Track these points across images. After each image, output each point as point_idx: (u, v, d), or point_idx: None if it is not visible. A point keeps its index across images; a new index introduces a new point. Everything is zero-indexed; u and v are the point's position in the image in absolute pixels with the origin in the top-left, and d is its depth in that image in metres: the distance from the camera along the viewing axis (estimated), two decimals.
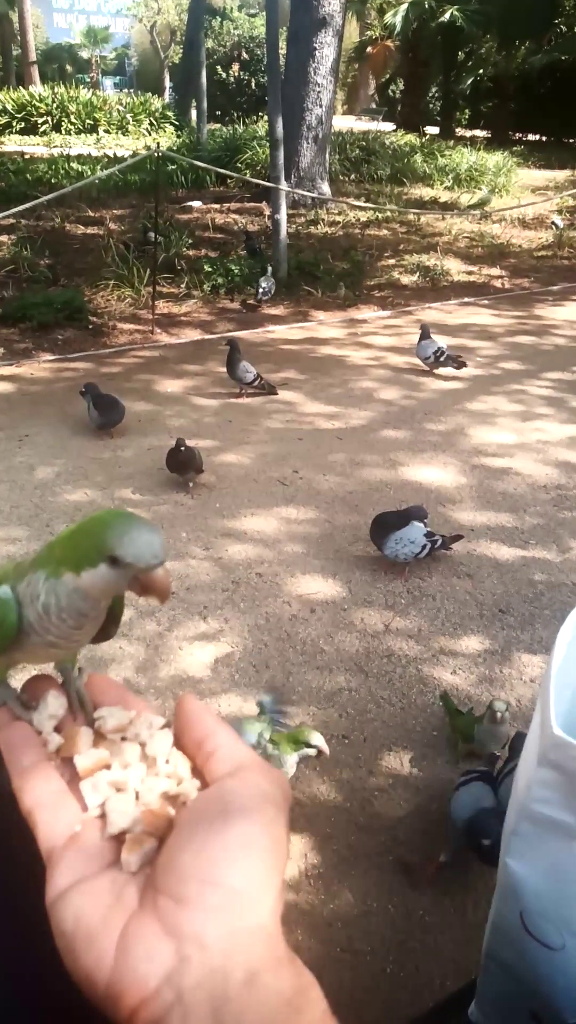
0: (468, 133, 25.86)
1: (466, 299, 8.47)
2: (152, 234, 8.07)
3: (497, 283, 9.15)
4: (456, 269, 9.46)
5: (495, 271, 9.56)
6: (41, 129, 21.71)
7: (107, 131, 22.19)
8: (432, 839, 2.24)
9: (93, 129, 22.24)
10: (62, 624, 0.54)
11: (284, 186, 8.21)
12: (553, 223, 11.55)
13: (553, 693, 0.71)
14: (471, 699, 2.76)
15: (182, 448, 3.98)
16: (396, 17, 21.83)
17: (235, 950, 0.41)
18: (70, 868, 0.46)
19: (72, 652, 0.59)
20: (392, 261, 9.61)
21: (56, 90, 23.38)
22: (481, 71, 26.48)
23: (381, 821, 2.29)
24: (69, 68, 37.99)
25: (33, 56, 30.06)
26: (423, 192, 13.72)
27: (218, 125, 20.15)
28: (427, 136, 20.32)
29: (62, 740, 0.52)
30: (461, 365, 5.72)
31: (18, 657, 0.58)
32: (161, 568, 0.52)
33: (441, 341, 5.91)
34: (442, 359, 5.69)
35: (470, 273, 9.43)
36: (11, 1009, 0.54)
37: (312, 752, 2.06)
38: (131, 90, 33.25)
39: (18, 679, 0.59)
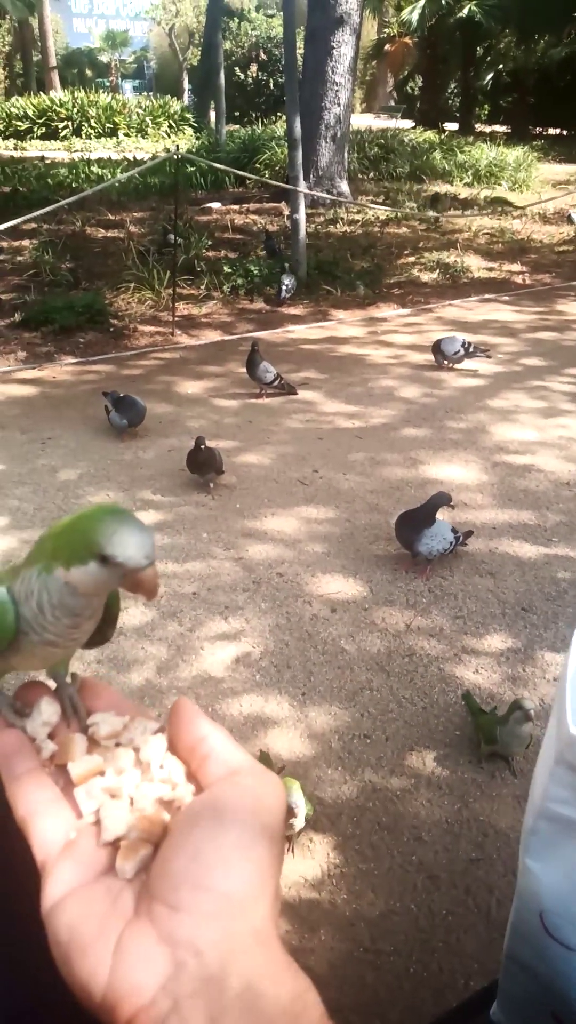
0: (488, 128, 25.68)
1: (487, 296, 8.42)
2: (172, 236, 8.10)
3: (518, 279, 9.09)
4: (476, 266, 9.41)
5: (516, 267, 9.50)
6: (62, 134, 21.86)
7: (127, 134, 22.31)
8: (457, 839, 2.23)
9: (113, 133, 22.37)
10: (57, 622, 0.54)
11: (302, 187, 8.20)
12: (570, 217, 11.46)
13: (570, 692, 0.71)
14: (494, 698, 2.75)
15: (202, 449, 3.99)
16: (413, 14, 21.77)
17: (231, 956, 0.41)
18: (65, 877, 0.46)
19: (69, 654, 0.59)
20: (412, 259, 9.57)
21: (76, 95, 23.55)
22: (500, 66, 26.31)
23: (404, 821, 2.28)
24: (89, 72, 38.32)
25: (53, 61, 30.29)
26: (442, 189, 13.64)
27: (237, 126, 20.22)
28: (446, 132, 20.23)
29: (56, 747, 0.52)
30: (488, 355, 5.90)
31: (15, 661, 0.57)
32: (151, 568, 0.52)
33: (460, 336, 5.92)
34: (471, 351, 5.78)
35: (490, 269, 9.38)
36: (9, 1019, 0.54)
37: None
38: (150, 93, 33.40)
39: (10, 685, 0.59)
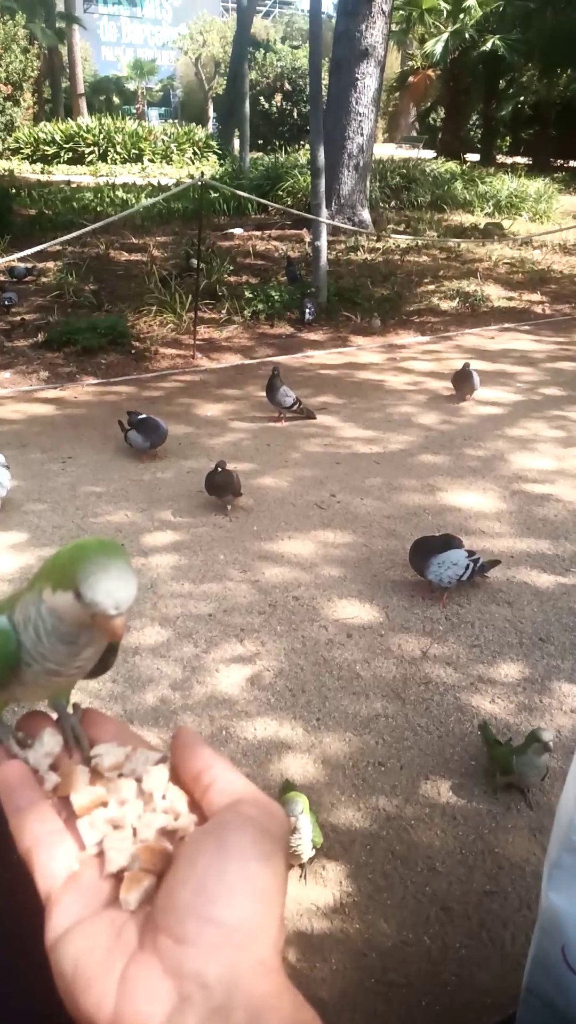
0: (509, 160, 25.92)
1: (506, 325, 8.45)
2: (195, 261, 8.20)
3: (538, 309, 9.12)
4: (496, 295, 9.45)
5: (536, 297, 9.53)
6: (88, 159, 22.25)
7: (151, 160, 22.68)
8: (471, 871, 2.20)
9: (138, 158, 22.74)
10: (54, 650, 0.54)
11: (324, 216, 8.29)
12: None
13: None
14: (510, 728, 2.73)
15: (220, 471, 4.02)
16: (437, 46, 22.05)
17: (236, 988, 0.41)
18: (69, 909, 0.46)
19: (70, 684, 0.59)
20: (431, 287, 9.63)
21: (103, 121, 23.99)
22: (522, 98, 26.56)
23: (418, 851, 2.26)
24: (116, 99, 38.97)
25: (81, 88, 30.88)
26: (463, 218, 13.75)
27: (260, 154, 20.46)
28: (467, 163, 20.41)
29: (58, 778, 0.52)
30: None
31: (19, 692, 0.58)
32: (120, 617, 0.52)
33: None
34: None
35: (510, 299, 9.41)
36: None
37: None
38: (176, 120, 33.97)
39: (12, 716, 0.59)
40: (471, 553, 3.40)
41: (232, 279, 9.13)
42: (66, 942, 0.45)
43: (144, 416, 4.76)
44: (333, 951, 1.99)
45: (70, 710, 0.57)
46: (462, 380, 5.79)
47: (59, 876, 0.48)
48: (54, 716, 0.57)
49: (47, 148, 22.49)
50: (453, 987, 1.91)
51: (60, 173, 19.57)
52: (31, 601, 0.54)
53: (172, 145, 23.40)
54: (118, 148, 22.90)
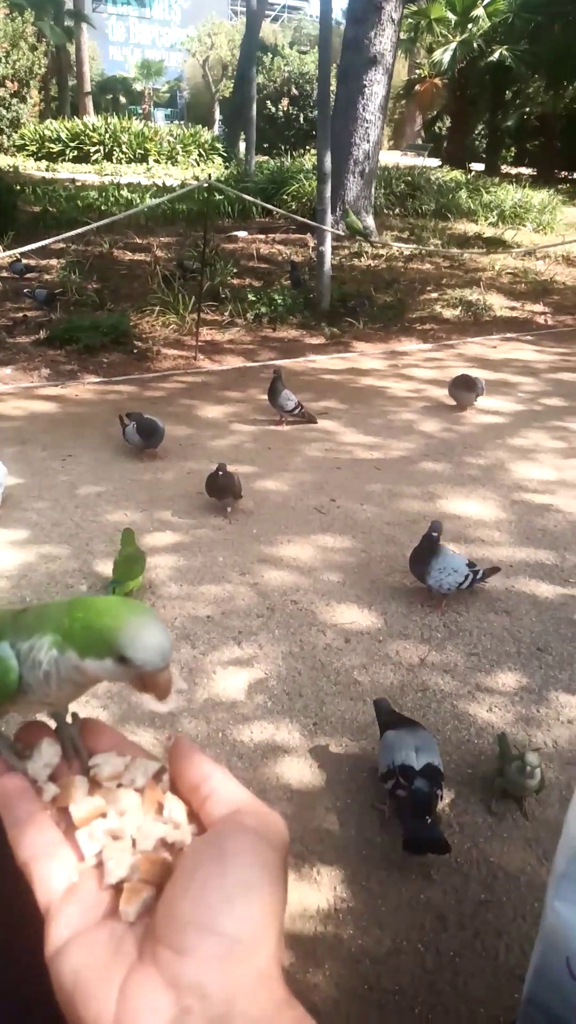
0: (513, 170, 25.98)
1: (509, 334, 8.47)
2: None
3: (540, 319, 9.15)
4: (499, 304, 9.47)
5: (538, 307, 9.56)
6: (93, 158, 22.26)
7: (157, 161, 22.69)
8: (467, 879, 2.20)
9: (143, 159, 22.76)
10: (61, 691, 0.54)
11: (329, 222, 8.31)
12: None
13: None
14: (507, 737, 2.72)
15: (221, 473, 4.02)
16: (445, 55, 22.10)
17: (236, 999, 0.41)
18: (68, 921, 0.46)
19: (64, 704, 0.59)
20: (435, 295, 9.65)
21: (109, 120, 23.99)
22: (528, 109, 26.64)
23: (413, 858, 2.25)
24: (123, 99, 39.04)
25: (88, 87, 30.94)
26: (467, 227, 13.78)
27: (266, 157, 20.49)
28: (472, 172, 20.46)
29: (57, 789, 0.52)
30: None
31: (13, 709, 0.58)
32: (167, 670, 0.52)
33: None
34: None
35: (513, 309, 9.44)
36: None
37: None
38: (182, 122, 34.02)
39: (11, 726, 0.59)
40: (471, 564, 3.40)
41: (235, 282, 9.13)
42: (65, 954, 0.45)
43: (147, 417, 4.75)
44: (327, 957, 1.99)
45: (69, 719, 0.57)
46: (464, 388, 5.78)
47: (58, 888, 0.48)
48: (52, 726, 0.57)
49: (52, 146, 22.49)
50: (447, 996, 1.91)
51: (65, 171, 19.56)
52: (42, 648, 0.54)
53: (178, 146, 23.41)
54: (123, 148, 22.91)
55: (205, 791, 0.50)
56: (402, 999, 1.90)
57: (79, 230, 7.32)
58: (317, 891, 2.15)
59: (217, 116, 35.80)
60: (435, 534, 3.34)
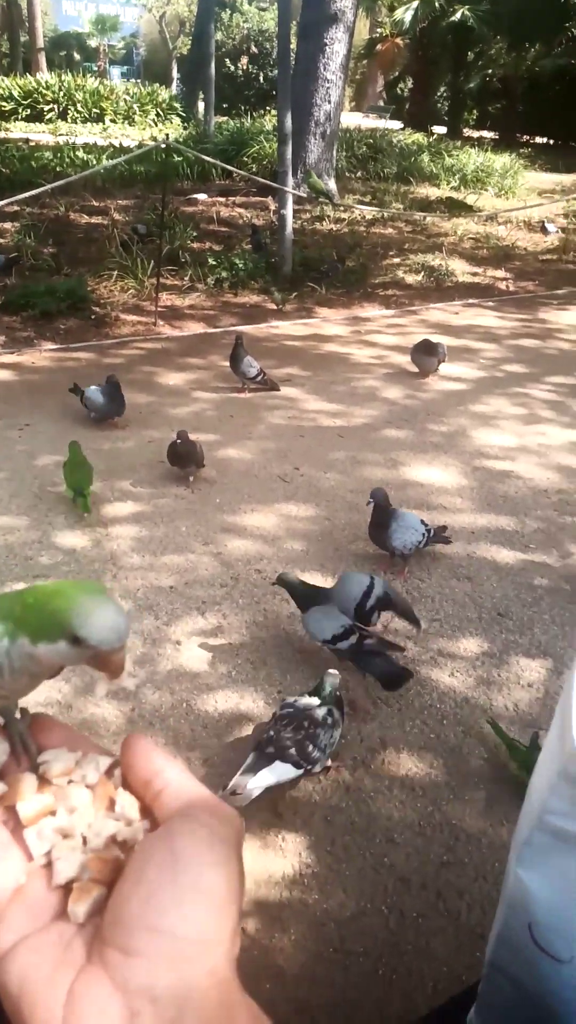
0: (475, 134, 25.82)
1: (471, 300, 8.46)
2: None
3: (502, 285, 9.15)
4: (461, 270, 9.45)
5: (500, 273, 9.55)
6: (47, 117, 21.60)
7: (113, 120, 22.09)
8: (429, 841, 2.23)
9: (99, 118, 22.14)
10: (15, 682, 0.53)
11: (291, 184, 8.17)
12: (543, 226, 11.53)
13: (574, 707, 0.70)
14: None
15: (182, 441, 3.97)
16: (407, 14, 21.77)
17: (187, 1002, 0.39)
18: (15, 924, 0.45)
19: (16, 698, 0.58)
20: (397, 260, 9.59)
21: (63, 78, 23.26)
22: (490, 71, 26.43)
23: (377, 822, 2.28)
24: (77, 56, 37.87)
25: (41, 43, 29.89)
26: (429, 191, 13.69)
27: (225, 118, 20.07)
28: (434, 135, 20.28)
29: (5, 788, 0.50)
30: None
31: None
32: (121, 651, 0.51)
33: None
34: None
35: (475, 274, 9.42)
36: None
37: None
38: (138, 80, 33.12)
39: None
40: (423, 522, 3.45)
41: (195, 246, 8.98)
42: (12, 958, 0.43)
43: (110, 384, 4.67)
44: (292, 922, 2.01)
45: (18, 715, 0.55)
46: (426, 353, 5.75)
47: (5, 889, 0.46)
48: (1, 722, 0.55)
49: (4, 104, 21.74)
50: (410, 956, 1.94)
51: (18, 131, 18.96)
52: None
53: (135, 106, 22.81)
54: (79, 107, 22.27)
55: (158, 785, 0.48)
56: (366, 960, 1.93)
57: (33, 192, 7.10)
58: (282, 857, 2.17)
59: (175, 74, 34.96)
60: (370, 502, 3.40)
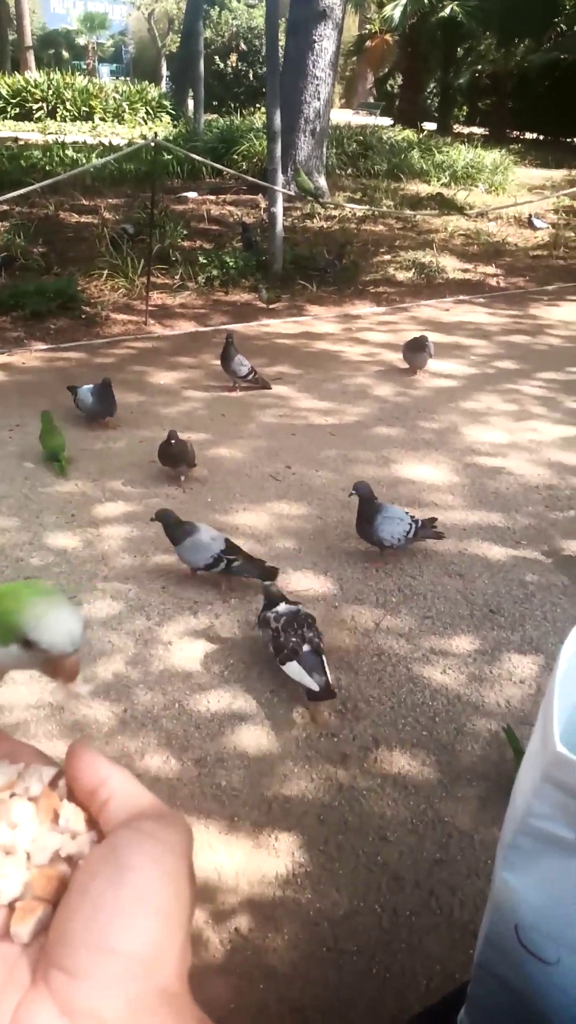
0: (466, 130, 25.83)
1: (461, 297, 8.46)
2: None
3: (492, 281, 9.15)
4: (452, 267, 9.45)
5: (491, 269, 9.56)
6: (36, 115, 21.54)
7: (103, 119, 22.04)
8: (422, 839, 2.23)
9: (89, 117, 22.08)
10: None
11: (280, 182, 8.15)
12: (530, 221, 11.54)
13: (557, 708, 0.70)
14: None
15: (173, 441, 3.96)
16: (396, 10, 21.70)
17: (137, 1021, 0.38)
18: None
19: None
20: (388, 257, 9.58)
21: (52, 76, 23.20)
22: (479, 67, 26.40)
23: (370, 821, 2.28)
24: (65, 54, 37.73)
25: (29, 41, 29.74)
26: (420, 188, 13.68)
27: (215, 116, 20.04)
28: (425, 132, 20.27)
29: None
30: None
31: None
32: (76, 655, 0.50)
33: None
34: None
35: (465, 271, 9.42)
36: None
37: None
38: (127, 78, 33.00)
39: None
40: (408, 514, 3.45)
41: (186, 244, 8.96)
42: None
43: (102, 385, 4.66)
44: (285, 921, 2.01)
45: None
46: (416, 350, 5.75)
47: None
48: None
49: None
50: (404, 955, 1.94)
51: (6, 130, 18.90)
52: None
53: (124, 104, 22.75)
54: (68, 105, 22.21)
55: (103, 795, 0.47)
56: (360, 959, 1.93)
57: (22, 191, 7.07)
58: (275, 857, 2.17)
59: (164, 72, 34.86)
60: (352, 493, 3.45)
